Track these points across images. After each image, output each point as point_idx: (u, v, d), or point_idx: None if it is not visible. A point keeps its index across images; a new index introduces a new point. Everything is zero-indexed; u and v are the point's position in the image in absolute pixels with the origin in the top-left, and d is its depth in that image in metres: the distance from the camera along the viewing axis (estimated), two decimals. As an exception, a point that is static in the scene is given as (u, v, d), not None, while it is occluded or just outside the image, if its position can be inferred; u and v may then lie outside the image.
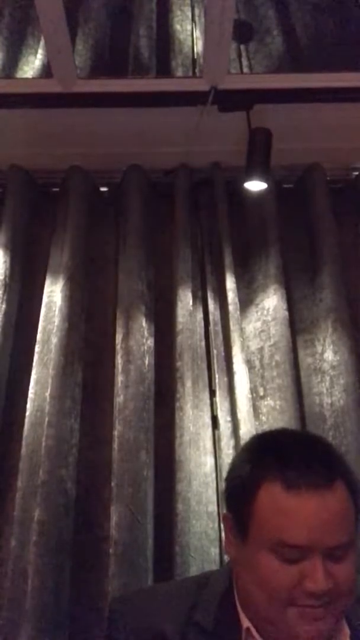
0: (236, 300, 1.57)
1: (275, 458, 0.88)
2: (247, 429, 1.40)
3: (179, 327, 1.53)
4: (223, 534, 1.18)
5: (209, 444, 1.45)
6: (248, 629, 0.88)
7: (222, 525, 0.99)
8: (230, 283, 1.59)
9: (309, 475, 0.85)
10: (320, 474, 0.85)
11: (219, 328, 1.58)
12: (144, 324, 1.55)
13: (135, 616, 0.93)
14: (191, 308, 1.56)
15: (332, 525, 0.83)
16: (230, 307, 1.55)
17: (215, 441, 1.47)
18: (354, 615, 0.91)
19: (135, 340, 1.52)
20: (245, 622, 0.88)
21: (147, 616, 0.91)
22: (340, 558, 0.84)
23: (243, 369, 1.48)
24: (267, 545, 0.83)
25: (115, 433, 1.43)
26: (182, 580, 1.10)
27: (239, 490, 0.90)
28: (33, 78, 1.85)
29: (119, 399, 1.46)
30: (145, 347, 1.53)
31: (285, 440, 0.95)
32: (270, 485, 0.85)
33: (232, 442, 1.43)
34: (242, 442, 1.39)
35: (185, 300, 1.57)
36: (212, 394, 1.52)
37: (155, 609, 0.92)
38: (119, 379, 1.49)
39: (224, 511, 0.95)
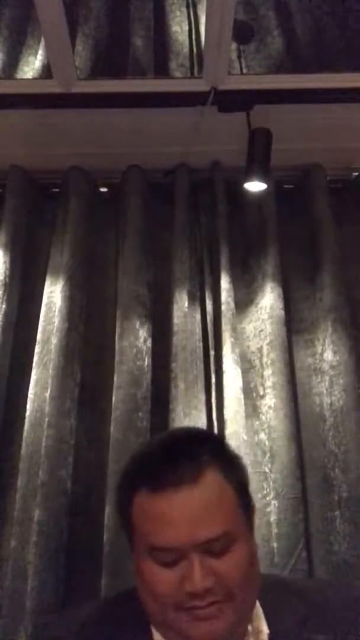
0: (229, 300, 1.57)
1: (141, 465, 0.87)
2: (234, 429, 1.41)
3: (175, 328, 1.53)
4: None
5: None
6: None
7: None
8: (224, 283, 1.59)
9: (173, 472, 0.81)
10: (186, 468, 0.81)
11: (214, 328, 1.58)
12: (140, 325, 1.55)
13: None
14: (187, 309, 1.56)
15: (201, 519, 0.79)
16: (223, 307, 1.55)
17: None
18: (279, 610, 0.88)
19: (129, 341, 1.52)
20: (156, 635, 0.86)
21: None
22: (222, 552, 0.80)
23: (233, 369, 1.48)
24: (146, 552, 0.81)
25: (110, 434, 1.43)
26: (97, 602, 1.08)
27: (120, 507, 0.89)
28: (33, 78, 1.85)
29: (114, 400, 1.46)
30: (144, 348, 1.53)
31: (153, 444, 0.93)
32: (140, 493, 0.83)
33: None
34: (229, 442, 1.38)
35: (181, 301, 1.57)
36: (209, 395, 1.52)
37: (68, 636, 0.92)
38: (114, 380, 1.49)
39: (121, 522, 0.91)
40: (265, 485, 1.41)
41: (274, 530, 1.35)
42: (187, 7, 1.96)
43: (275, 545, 1.34)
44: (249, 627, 0.86)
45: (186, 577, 0.78)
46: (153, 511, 0.81)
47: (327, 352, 1.54)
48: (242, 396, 1.47)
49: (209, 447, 0.87)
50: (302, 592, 0.93)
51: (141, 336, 1.54)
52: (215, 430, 1.46)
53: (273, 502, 1.38)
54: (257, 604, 0.87)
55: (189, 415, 1.43)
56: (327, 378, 1.52)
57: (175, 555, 0.79)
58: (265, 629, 0.85)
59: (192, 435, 0.95)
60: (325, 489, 1.42)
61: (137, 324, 1.55)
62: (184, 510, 0.80)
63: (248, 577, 0.81)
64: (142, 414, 1.44)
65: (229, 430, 1.40)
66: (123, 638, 0.88)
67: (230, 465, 0.87)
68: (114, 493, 1.30)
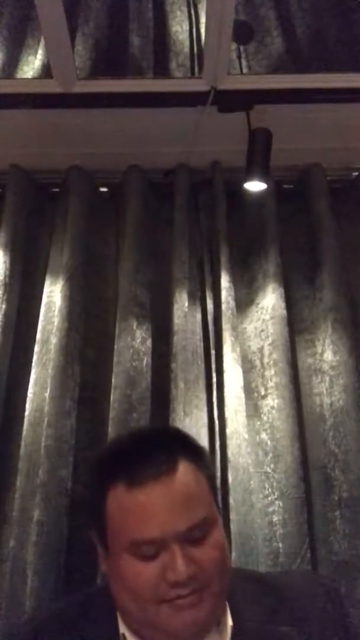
0: (229, 299, 1.57)
1: (114, 463, 0.87)
2: (235, 428, 1.40)
3: (175, 328, 1.53)
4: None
5: (205, 444, 1.44)
6: (123, 634, 0.86)
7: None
8: (224, 282, 1.59)
9: (150, 466, 0.83)
10: (162, 461, 0.83)
11: (214, 328, 1.58)
12: (134, 326, 1.55)
13: None
14: (187, 309, 1.56)
15: (179, 508, 0.81)
16: (223, 307, 1.55)
17: (214, 441, 1.47)
18: (247, 603, 0.89)
19: (126, 342, 1.52)
20: (121, 629, 0.87)
21: None
22: (201, 540, 0.81)
23: (234, 368, 1.48)
24: (125, 549, 0.81)
25: (108, 434, 1.44)
26: (71, 599, 1.06)
27: (91, 507, 0.89)
28: (33, 78, 1.85)
29: (111, 400, 1.46)
30: (143, 349, 1.53)
31: (122, 441, 0.93)
32: (115, 491, 0.83)
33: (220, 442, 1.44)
34: (229, 441, 1.39)
35: (181, 301, 1.57)
36: (210, 394, 1.52)
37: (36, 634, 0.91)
38: (112, 380, 1.49)
39: (91, 531, 0.91)
40: (267, 485, 1.41)
41: (279, 530, 1.35)
42: (188, 6, 1.96)
43: (280, 545, 1.33)
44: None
45: (168, 567, 0.79)
46: (132, 506, 0.82)
47: (327, 352, 1.54)
48: (242, 395, 1.46)
49: (178, 439, 0.90)
50: (271, 584, 0.94)
51: (139, 337, 1.54)
52: (217, 430, 1.46)
53: (277, 502, 1.38)
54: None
55: (190, 414, 1.43)
56: (327, 378, 1.52)
57: (155, 548, 0.80)
58: (229, 622, 0.86)
59: (159, 430, 1.00)
60: (326, 489, 1.42)
61: (135, 325, 1.55)
62: (164, 500, 0.81)
63: (224, 564, 0.83)
64: (137, 414, 1.44)
65: (229, 429, 1.40)
66: (87, 634, 0.89)
67: (200, 456, 0.89)
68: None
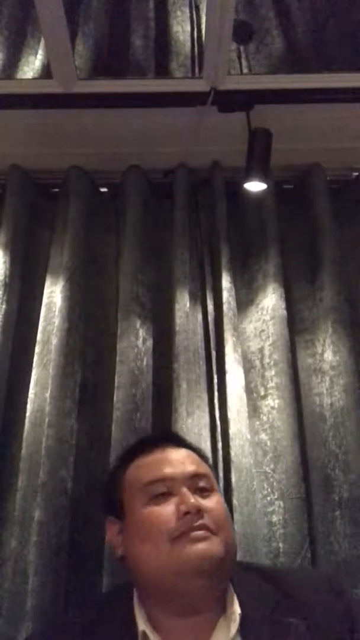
0: (230, 299, 1.57)
1: (131, 450, 1.05)
2: (237, 429, 1.40)
3: (176, 328, 1.53)
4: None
5: (207, 444, 1.44)
6: (144, 632, 0.88)
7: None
8: (225, 282, 1.59)
9: (161, 442, 1.02)
10: (171, 442, 1.03)
11: (215, 328, 1.58)
12: (137, 325, 1.55)
13: None
14: (188, 309, 1.56)
15: (187, 459, 0.98)
16: (225, 307, 1.55)
17: (216, 441, 1.47)
18: (252, 594, 0.92)
19: (129, 342, 1.52)
20: (142, 626, 0.89)
21: None
22: (206, 494, 0.94)
23: (236, 369, 1.48)
24: (139, 499, 0.93)
25: (111, 434, 1.43)
26: (87, 602, 1.18)
27: (110, 486, 1.03)
28: (33, 79, 1.85)
29: (114, 400, 1.46)
30: (144, 349, 1.53)
31: (137, 440, 1.15)
32: (132, 462, 1.00)
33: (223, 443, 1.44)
34: (232, 442, 1.39)
35: (182, 301, 1.57)
36: (212, 394, 1.52)
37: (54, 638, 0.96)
38: (114, 380, 1.49)
39: (109, 519, 1.02)
40: (266, 485, 1.41)
41: (279, 530, 1.35)
42: (190, 7, 1.96)
43: (280, 545, 1.33)
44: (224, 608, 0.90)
45: (180, 503, 0.90)
46: (147, 461, 0.98)
47: (327, 352, 1.54)
48: (244, 395, 1.46)
49: (182, 438, 1.11)
50: (274, 577, 0.96)
51: (140, 336, 1.54)
52: (219, 430, 1.46)
53: (277, 502, 1.38)
54: (230, 587, 0.92)
55: (192, 414, 1.43)
56: (327, 378, 1.52)
57: (168, 487, 0.93)
58: (237, 610, 0.89)
59: (166, 431, 1.23)
60: (326, 489, 1.42)
61: (138, 324, 1.55)
62: (173, 455, 0.98)
63: (228, 524, 0.94)
64: (140, 414, 1.44)
65: (232, 430, 1.40)
66: (105, 635, 0.91)
67: (202, 454, 1.07)
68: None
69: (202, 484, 0.95)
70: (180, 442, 1.06)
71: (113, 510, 1.00)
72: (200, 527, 0.88)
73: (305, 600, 0.91)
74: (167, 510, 0.90)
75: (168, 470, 0.94)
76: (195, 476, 0.95)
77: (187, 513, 0.88)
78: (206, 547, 0.86)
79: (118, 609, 0.94)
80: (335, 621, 0.89)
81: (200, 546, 0.86)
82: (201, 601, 0.87)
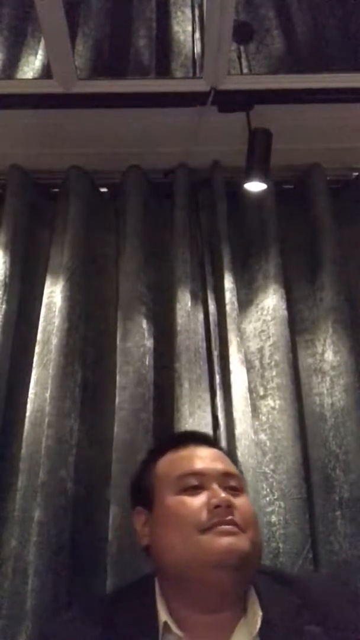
0: (233, 300, 1.57)
1: (163, 444, 1.08)
2: (243, 429, 1.40)
3: (178, 328, 1.53)
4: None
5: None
6: (165, 622, 0.89)
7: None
8: (228, 283, 1.59)
9: (194, 438, 1.06)
10: (204, 440, 1.07)
11: (217, 329, 1.58)
12: (144, 325, 1.55)
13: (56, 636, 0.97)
14: (190, 309, 1.56)
15: (219, 458, 1.01)
16: (228, 307, 1.55)
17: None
18: (274, 597, 0.92)
19: (134, 341, 1.52)
20: (164, 617, 0.90)
21: (66, 638, 0.94)
22: (237, 492, 0.96)
23: (240, 369, 1.48)
24: (170, 488, 0.95)
25: (114, 434, 1.43)
26: (105, 595, 1.17)
27: (140, 476, 1.05)
28: (33, 79, 1.85)
29: (118, 400, 1.46)
30: (145, 349, 1.53)
31: (169, 436, 1.20)
32: (164, 456, 1.03)
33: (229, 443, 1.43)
34: (238, 442, 1.39)
35: (184, 301, 1.57)
36: (213, 394, 1.52)
37: (74, 629, 0.95)
38: (118, 380, 1.49)
39: (137, 509, 1.04)
40: (265, 485, 1.41)
41: (279, 530, 1.34)
42: (192, 7, 1.96)
43: (280, 545, 1.33)
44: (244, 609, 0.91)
45: (210, 497, 0.92)
46: (179, 456, 1.01)
47: (327, 352, 1.54)
48: (248, 396, 1.46)
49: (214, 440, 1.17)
50: (295, 583, 0.97)
51: (145, 336, 1.54)
52: (222, 430, 1.45)
53: (277, 502, 1.37)
54: (252, 589, 0.92)
55: (193, 414, 1.43)
56: (327, 378, 1.52)
57: (199, 480, 0.95)
58: (259, 612, 0.89)
59: (198, 432, 1.24)
60: (326, 489, 1.42)
61: (144, 324, 1.55)
62: (205, 453, 1.01)
63: (256, 525, 0.94)
64: (146, 414, 1.44)
65: (238, 430, 1.40)
66: (126, 625, 0.91)
67: (234, 458, 1.12)
68: (121, 489, 1.31)
69: (232, 483, 0.97)
70: (213, 442, 1.10)
71: (142, 500, 1.01)
72: (229, 522, 0.89)
73: (324, 608, 0.91)
74: (198, 501, 0.92)
75: (201, 465, 0.97)
76: (227, 475, 0.97)
77: (217, 506, 0.90)
78: (233, 541, 0.87)
79: (140, 600, 0.94)
80: (354, 629, 0.90)
81: (228, 540, 0.87)
82: (223, 596, 0.88)
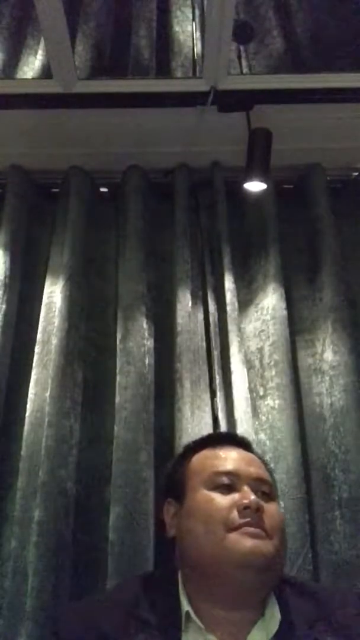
0: (234, 300, 1.57)
1: (199, 442, 1.09)
2: (244, 429, 1.40)
3: (178, 328, 1.53)
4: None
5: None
6: (187, 612, 0.90)
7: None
8: (228, 283, 1.59)
9: (231, 440, 1.09)
10: (243, 445, 1.07)
11: (218, 329, 1.58)
12: (144, 325, 1.55)
13: (79, 617, 0.96)
14: (190, 309, 1.56)
15: (254, 462, 1.02)
16: (228, 308, 1.55)
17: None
18: (291, 605, 0.92)
19: (135, 341, 1.52)
20: (185, 607, 0.91)
21: (90, 617, 0.94)
22: (268, 498, 0.97)
23: (240, 369, 1.48)
24: (203, 483, 0.97)
25: (115, 434, 1.43)
26: (129, 580, 1.13)
27: (174, 469, 1.07)
28: (33, 79, 1.85)
29: (118, 400, 1.46)
30: (145, 348, 1.53)
31: (205, 435, 1.18)
32: (199, 453, 1.04)
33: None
34: None
35: (184, 301, 1.57)
36: (213, 394, 1.52)
37: (98, 610, 0.95)
38: (118, 380, 1.49)
39: (167, 500, 1.05)
40: (264, 485, 1.41)
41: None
42: (192, 7, 1.96)
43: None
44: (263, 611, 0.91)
45: (240, 498, 0.93)
46: (214, 454, 1.02)
47: (327, 352, 1.54)
48: (248, 396, 1.46)
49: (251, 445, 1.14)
50: (313, 594, 0.96)
51: (146, 336, 1.54)
52: (221, 430, 1.46)
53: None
54: (273, 595, 0.93)
55: (194, 414, 1.43)
56: (327, 378, 1.52)
57: (231, 481, 0.96)
58: (277, 615, 0.90)
59: (236, 434, 1.24)
60: (326, 489, 1.42)
61: (145, 324, 1.55)
62: (240, 455, 1.02)
63: (282, 533, 0.95)
64: (146, 414, 1.44)
65: (239, 430, 1.40)
66: (149, 613, 0.92)
67: (268, 467, 1.10)
68: (121, 489, 1.31)
69: (264, 488, 0.97)
70: (251, 448, 1.11)
71: (173, 492, 1.03)
72: (256, 525, 0.90)
73: (340, 623, 0.91)
74: (229, 500, 0.93)
75: (236, 466, 0.98)
76: (260, 480, 0.98)
77: (247, 507, 0.91)
78: (258, 544, 0.88)
79: (164, 589, 0.95)
80: None
81: (253, 542, 0.88)
82: (242, 595, 0.89)
